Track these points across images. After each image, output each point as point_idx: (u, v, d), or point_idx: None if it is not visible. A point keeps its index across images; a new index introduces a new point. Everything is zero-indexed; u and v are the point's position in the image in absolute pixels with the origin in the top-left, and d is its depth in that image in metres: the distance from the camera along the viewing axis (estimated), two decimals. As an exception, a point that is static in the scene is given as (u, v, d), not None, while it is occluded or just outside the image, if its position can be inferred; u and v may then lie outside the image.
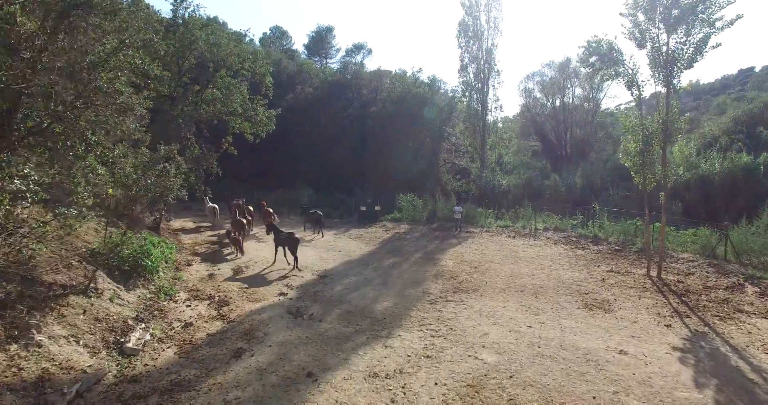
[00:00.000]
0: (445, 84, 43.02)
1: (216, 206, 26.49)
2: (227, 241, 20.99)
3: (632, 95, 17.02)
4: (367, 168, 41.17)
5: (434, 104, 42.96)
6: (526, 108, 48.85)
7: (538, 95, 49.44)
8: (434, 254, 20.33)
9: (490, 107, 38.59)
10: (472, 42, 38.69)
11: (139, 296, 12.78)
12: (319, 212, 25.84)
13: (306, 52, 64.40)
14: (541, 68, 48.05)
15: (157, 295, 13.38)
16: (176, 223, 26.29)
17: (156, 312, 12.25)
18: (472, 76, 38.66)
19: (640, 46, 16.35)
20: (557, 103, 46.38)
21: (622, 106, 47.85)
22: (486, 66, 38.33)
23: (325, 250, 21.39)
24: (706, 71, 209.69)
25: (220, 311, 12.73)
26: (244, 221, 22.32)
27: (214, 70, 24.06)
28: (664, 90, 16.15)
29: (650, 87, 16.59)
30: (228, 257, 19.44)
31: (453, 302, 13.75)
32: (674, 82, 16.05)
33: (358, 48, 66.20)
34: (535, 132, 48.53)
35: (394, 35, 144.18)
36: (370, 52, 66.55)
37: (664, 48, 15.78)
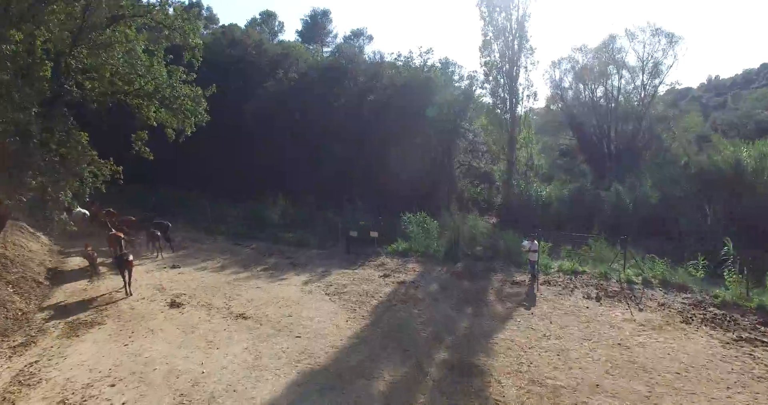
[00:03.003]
0: (460, 68, 33.15)
1: (86, 212, 21.41)
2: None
3: None
4: (362, 175, 30.97)
5: (447, 92, 32.82)
6: (559, 98, 38.44)
7: (569, 83, 39.03)
8: (472, 350, 10.18)
9: (520, 95, 28.36)
10: (498, 11, 28.33)
11: None
12: (167, 222, 20.23)
13: (300, 40, 54.13)
14: (571, 53, 37.39)
15: None
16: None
17: None
18: (497, 55, 28.36)
19: None
20: (597, 92, 35.99)
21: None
22: (516, 42, 28.03)
23: (271, 327, 11.46)
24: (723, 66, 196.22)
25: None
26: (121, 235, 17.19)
27: (108, 22, 13.97)
28: None
29: None
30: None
31: None
32: None
33: (357, 34, 55.86)
34: (570, 127, 38.12)
35: (397, 18, 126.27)
36: (371, 38, 56.07)
37: None
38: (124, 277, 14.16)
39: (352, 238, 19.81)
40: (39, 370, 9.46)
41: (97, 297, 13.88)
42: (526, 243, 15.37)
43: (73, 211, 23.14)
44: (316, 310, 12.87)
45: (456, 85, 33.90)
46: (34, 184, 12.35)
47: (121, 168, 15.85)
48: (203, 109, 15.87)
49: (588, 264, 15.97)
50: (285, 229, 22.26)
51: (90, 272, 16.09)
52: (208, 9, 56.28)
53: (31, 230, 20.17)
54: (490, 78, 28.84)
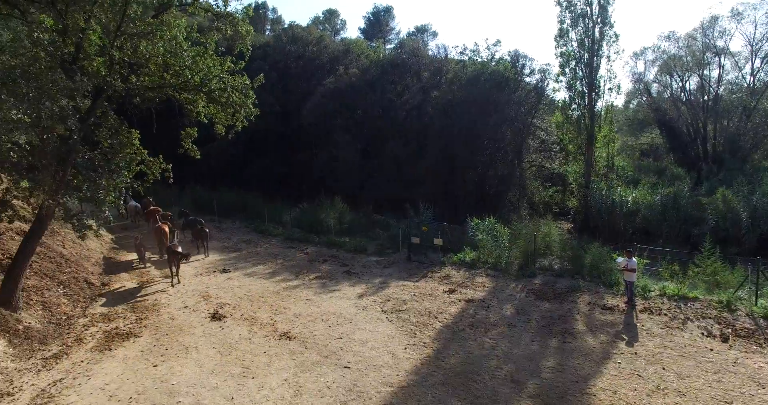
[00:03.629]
0: (531, 61, 30.10)
1: (138, 205, 23.59)
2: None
3: None
4: (425, 176, 28.93)
5: (517, 86, 30.08)
6: (642, 91, 34.31)
7: (654, 75, 34.77)
8: (564, 404, 8.08)
9: (601, 88, 25.10)
10: (577, -6, 25.30)
11: None
12: (200, 220, 19.47)
13: (362, 37, 52.95)
14: (657, 41, 33.17)
15: None
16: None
17: None
18: (575, 44, 25.26)
19: None
20: (690, 84, 31.62)
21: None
22: (597, 28, 24.85)
23: (317, 352, 9.73)
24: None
25: None
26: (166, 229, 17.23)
27: (156, 10, 12.83)
28: None
29: None
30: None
31: None
32: None
33: (420, 30, 54.02)
34: (656, 124, 33.86)
35: (463, 12, 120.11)
36: (435, 35, 53.97)
37: None
38: (171, 268, 14.67)
39: (413, 245, 17.82)
40: (60, 392, 8.27)
41: (142, 301, 12.85)
42: (621, 260, 12.61)
43: (128, 203, 23.45)
44: (371, 332, 11.00)
45: (526, 79, 30.99)
46: (75, 183, 11.45)
47: (170, 165, 14.84)
48: (251, 102, 14.46)
49: (699, 288, 12.91)
50: (341, 234, 20.66)
51: (137, 264, 16.75)
52: (274, 10, 56.42)
53: (95, 227, 19.91)
54: (566, 70, 25.79)
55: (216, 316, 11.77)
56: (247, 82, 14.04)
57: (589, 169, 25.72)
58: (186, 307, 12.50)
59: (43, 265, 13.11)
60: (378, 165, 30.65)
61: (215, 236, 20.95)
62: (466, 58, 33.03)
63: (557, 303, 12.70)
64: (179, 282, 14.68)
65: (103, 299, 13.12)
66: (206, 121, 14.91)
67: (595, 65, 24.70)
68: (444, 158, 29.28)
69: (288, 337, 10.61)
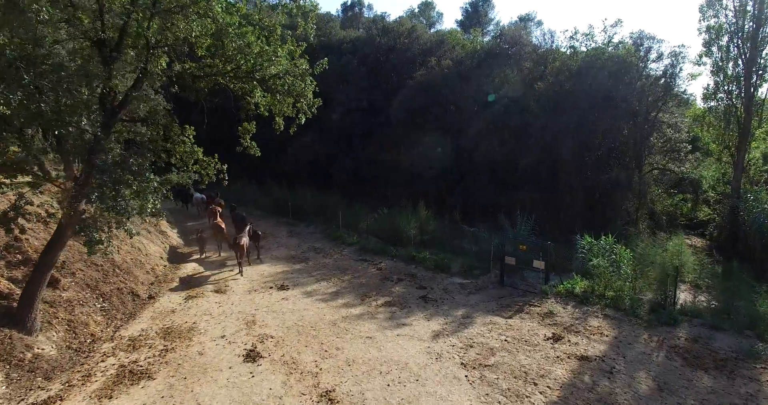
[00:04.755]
0: (659, 43, 24.40)
1: (204, 196, 23.85)
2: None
3: None
4: (524, 180, 24.84)
5: (640, 74, 24.71)
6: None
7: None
8: None
9: (765, 70, 19.04)
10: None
11: None
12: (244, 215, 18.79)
13: (459, 29, 49.15)
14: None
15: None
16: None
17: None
18: (730, 13, 19.40)
19: None
20: None
21: None
22: (762, -7, 18.84)
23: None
24: None
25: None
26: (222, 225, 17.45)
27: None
28: None
29: None
30: None
31: None
32: None
33: (524, 20, 48.90)
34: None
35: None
36: (539, 24, 48.50)
37: None
38: (238, 260, 15.07)
39: (508, 265, 14.17)
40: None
41: (180, 323, 10.88)
42: None
43: (194, 195, 23.19)
44: (443, 401, 7.80)
45: (652, 65, 25.30)
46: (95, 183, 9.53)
47: (225, 166, 12.84)
48: (311, 89, 11.83)
49: None
50: (422, 246, 17.51)
51: (198, 254, 17.21)
52: (369, 6, 54.53)
53: (164, 227, 18.92)
54: (713, 49, 20.08)
55: (251, 355, 9.28)
56: (305, 67, 11.43)
57: (740, 174, 19.83)
58: (223, 336, 10.23)
59: (87, 275, 11.66)
60: (470, 166, 27.02)
61: (284, 243, 18.96)
62: (577, 43, 27.99)
63: (723, 378, 8.41)
64: (249, 263, 15.92)
65: (143, 317, 11.36)
66: (266, 115, 12.63)
67: (761, 38, 18.68)
68: (546, 159, 24.92)
69: (330, 399, 7.75)
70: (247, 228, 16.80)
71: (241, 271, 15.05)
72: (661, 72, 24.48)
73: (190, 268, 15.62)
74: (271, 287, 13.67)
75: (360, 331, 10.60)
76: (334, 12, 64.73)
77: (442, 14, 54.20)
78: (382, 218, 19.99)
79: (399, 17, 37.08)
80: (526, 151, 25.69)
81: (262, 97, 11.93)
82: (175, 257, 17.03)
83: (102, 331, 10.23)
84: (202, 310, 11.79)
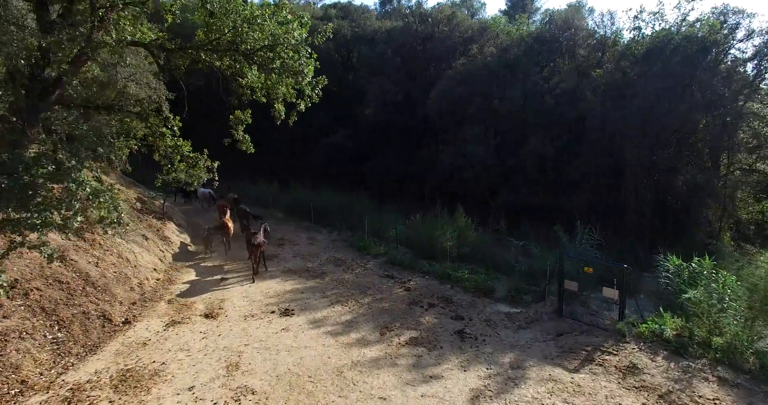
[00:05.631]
0: (749, 18, 20.11)
1: (211, 191, 22.29)
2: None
3: None
4: (579, 180, 21.32)
5: (724, 57, 20.67)
6: None
7: None
8: None
9: None
10: None
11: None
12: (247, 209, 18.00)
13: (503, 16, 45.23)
14: None
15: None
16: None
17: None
18: None
19: None
20: None
21: None
22: None
23: None
24: None
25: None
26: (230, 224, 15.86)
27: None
28: None
29: None
30: None
31: None
32: None
33: (575, 8, 44.29)
34: None
35: None
36: (591, 11, 43.79)
37: None
38: (252, 263, 13.47)
39: (568, 291, 10.92)
40: None
41: (146, 365, 8.38)
42: None
43: (198, 191, 21.20)
44: None
45: (738, 46, 21.03)
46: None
47: (217, 163, 10.33)
48: (310, 67, 9.01)
49: None
50: (461, 260, 14.45)
51: (204, 252, 15.78)
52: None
53: (170, 232, 16.74)
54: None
55: (219, 424, 6.62)
56: (300, 34, 8.61)
57: None
58: (191, 388, 7.59)
59: (45, 295, 9.35)
60: (516, 165, 23.61)
61: (302, 252, 16.34)
62: (643, 23, 23.94)
63: None
64: (266, 269, 14.11)
65: (107, 349, 8.94)
66: (264, 101, 9.97)
67: None
68: (606, 158, 21.23)
69: None
70: (263, 225, 14.87)
71: (254, 278, 13.25)
72: (750, 53, 20.27)
73: (187, 279, 13.24)
74: (272, 312, 11.01)
75: (372, 388, 7.71)
76: (371, 5, 61.94)
77: (484, 4, 50.18)
78: (414, 225, 17.04)
79: (438, 4, 33.78)
80: (582, 147, 22.06)
81: (256, 78, 9.24)
82: (183, 256, 15.18)
83: (41, 375, 7.82)
84: (180, 344, 9.25)
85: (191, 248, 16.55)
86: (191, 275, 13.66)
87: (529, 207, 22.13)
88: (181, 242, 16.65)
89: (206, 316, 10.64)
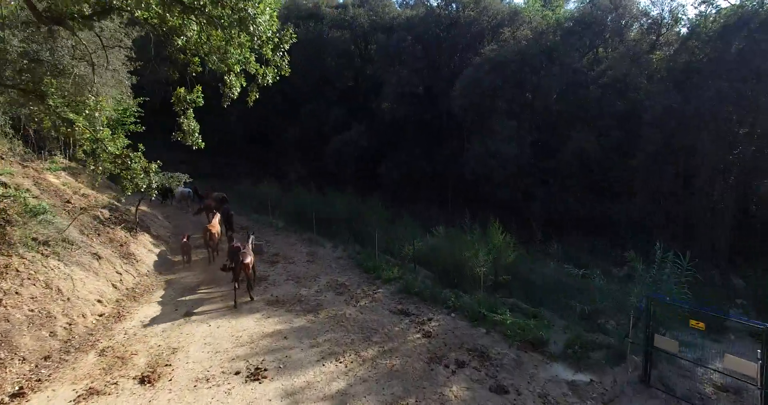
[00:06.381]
0: None
1: (190, 190, 19.72)
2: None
3: None
4: (634, 183, 17.58)
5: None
6: None
7: None
8: None
9: None
10: None
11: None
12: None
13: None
14: None
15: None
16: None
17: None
18: None
19: None
20: None
21: None
22: None
23: None
24: None
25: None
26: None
27: None
28: None
29: None
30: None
31: None
32: None
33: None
34: None
35: None
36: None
37: None
38: (234, 288, 10.54)
39: (658, 350, 7.32)
40: None
41: None
42: None
43: (176, 190, 19.83)
44: None
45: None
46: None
47: (158, 163, 7.11)
48: (274, 26, 5.69)
49: None
50: (497, 290, 10.95)
51: (182, 261, 13.66)
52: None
53: (139, 247, 13.67)
54: None
55: None
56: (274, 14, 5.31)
57: None
58: None
59: None
60: (555, 165, 19.92)
61: (297, 273, 13.05)
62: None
63: None
64: (252, 299, 10.89)
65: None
66: (224, 69, 6.67)
67: None
68: (668, 156, 17.39)
69: None
70: (251, 239, 12.43)
71: (235, 303, 10.50)
72: None
73: (143, 314, 10.09)
74: (237, 372, 7.70)
75: None
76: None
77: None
78: (436, 240, 13.58)
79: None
80: (637, 144, 18.20)
81: (198, 34, 5.94)
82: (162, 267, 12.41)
83: None
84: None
85: (171, 258, 13.69)
86: (150, 308, 10.49)
87: (570, 214, 18.45)
88: (160, 252, 13.88)
89: (142, 380, 7.40)
